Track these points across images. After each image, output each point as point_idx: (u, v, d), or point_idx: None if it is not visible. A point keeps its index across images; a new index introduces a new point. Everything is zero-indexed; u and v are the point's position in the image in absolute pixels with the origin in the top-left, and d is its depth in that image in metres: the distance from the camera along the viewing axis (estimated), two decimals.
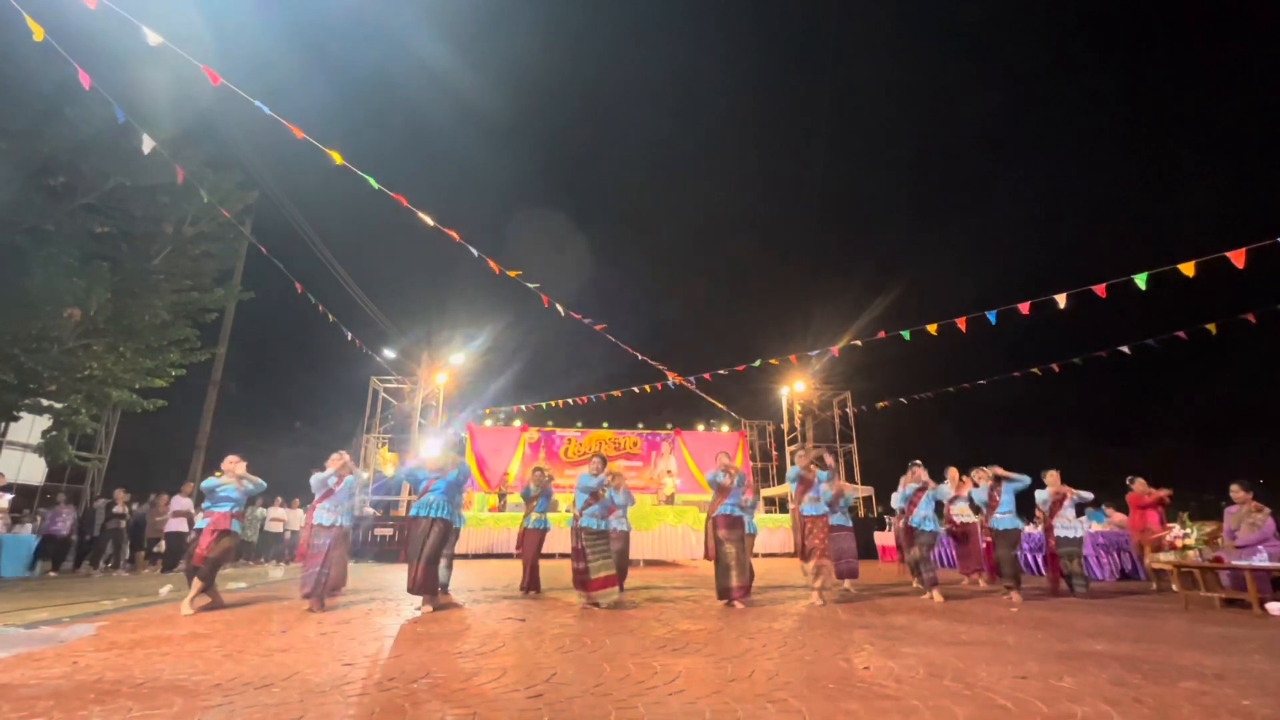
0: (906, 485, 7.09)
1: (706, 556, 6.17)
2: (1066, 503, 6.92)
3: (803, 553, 5.97)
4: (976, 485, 7.15)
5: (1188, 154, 34.88)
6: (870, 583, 7.91)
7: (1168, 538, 6.80)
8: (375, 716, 2.31)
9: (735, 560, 5.73)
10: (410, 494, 13.47)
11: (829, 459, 6.40)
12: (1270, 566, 5.36)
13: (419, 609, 5.30)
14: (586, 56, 41.07)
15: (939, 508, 7.22)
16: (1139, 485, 7.90)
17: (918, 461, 7.01)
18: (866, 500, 18.15)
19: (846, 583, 6.94)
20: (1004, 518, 6.63)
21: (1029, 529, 9.07)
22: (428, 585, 5.29)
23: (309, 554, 5.59)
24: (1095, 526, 9.03)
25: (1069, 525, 6.88)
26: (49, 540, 9.42)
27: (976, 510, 7.45)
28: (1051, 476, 7.07)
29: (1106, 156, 38.34)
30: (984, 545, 7.48)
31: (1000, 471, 6.77)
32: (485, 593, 6.72)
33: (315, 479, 5.86)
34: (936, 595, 6.16)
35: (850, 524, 7.20)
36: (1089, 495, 7.07)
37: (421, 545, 5.32)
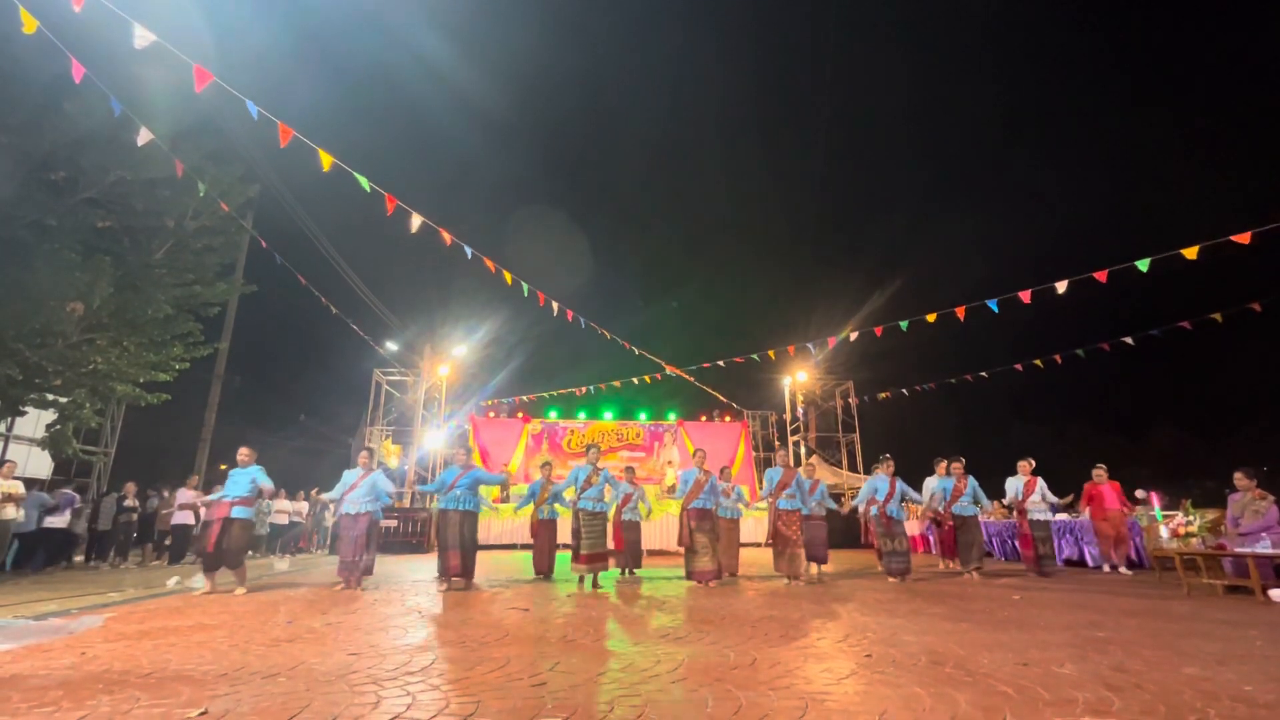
0: (876, 478, 7.61)
1: (679, 543, 6.92)
2: (1035, 490, 7.77)
3: (776, 542, 6.76)
4: (950, 475, 7.95)
5: (1193, 145, 34.56)
6: (869, 570, 7.98)
7: (1171, 525, 6.80)
8: (380, 705, 2.33)
9: (704, 548, 6.54)
10: (413, 487, 13.57)
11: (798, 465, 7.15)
12: (1273, 553, 5.35)
13: (444, 589, 5.95)
14: (586, 53, 40.89)
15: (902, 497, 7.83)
16: (1098, 474, 8.35)
17: (887, 455, 7.56)
18: None
19: (815, 569, 7.50)
20: (967, 505, 7.60)
21: (992, 518, 10.30)
22: (467, 570, 6.15)
23: (343, 544, 6.34)
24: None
25: (1039, 509, 7.70)
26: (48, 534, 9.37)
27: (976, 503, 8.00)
28: (1023, 465, 7.93)
29: (1111, 147, 38.05)
30: (946, 528, 7.89)
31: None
32: (490, 583, 6.76)
33: (345, 475, 6.66)
34: (893, 580, 6.82)
35: (824, 514, 7.84)
36: (1056, 500, 7.94)
37: (459, 536, 6.17)
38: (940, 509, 7.96)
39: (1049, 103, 41.46)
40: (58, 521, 9.32)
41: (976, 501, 7.71)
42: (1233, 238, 6.83)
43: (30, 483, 9.34)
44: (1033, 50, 40.08)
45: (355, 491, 6.45)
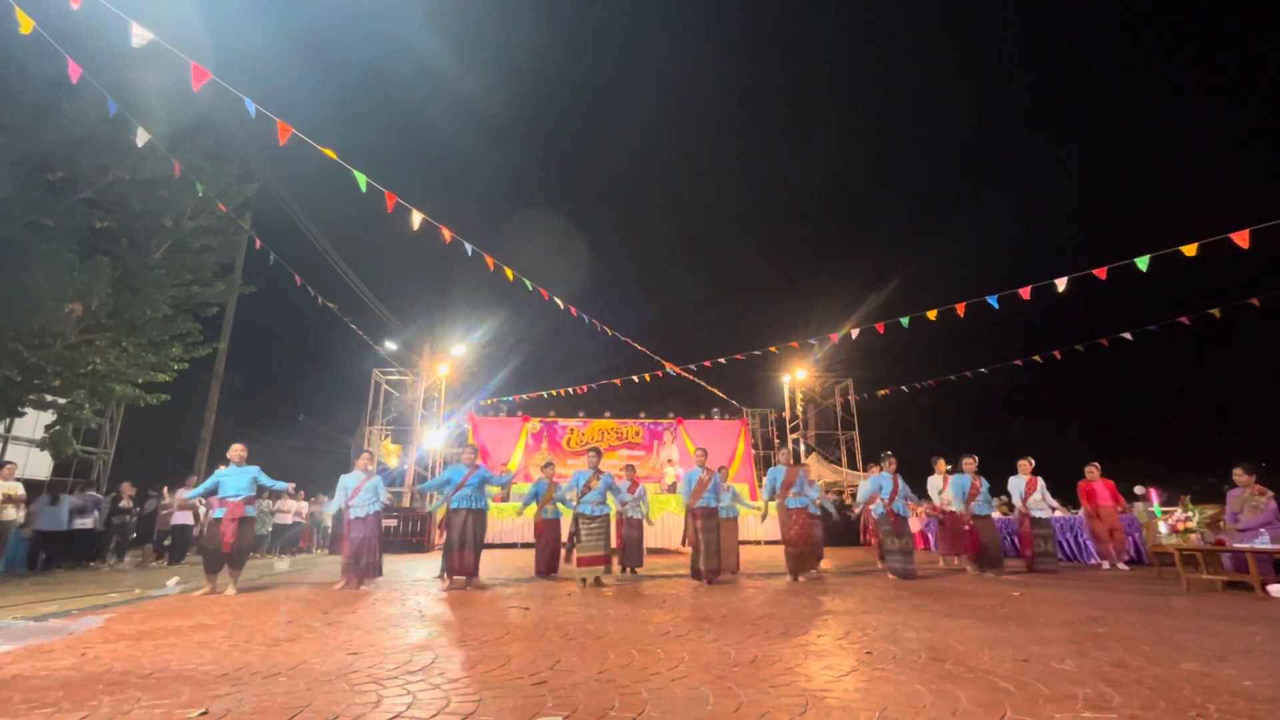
0: (880, 475, 7.54)
1: (685, 543, 6.98)
2: (1036, 489, 7.80)
3: (789, 541, 6.76)
4: (962, 473, 7.83)
5: (1191, 139, 34.56)
6: (869, 568, 8.00)
7: (1170, 521, 6.82)
8: (381, 704, 2.33)
9: (708, 546, 6.59)
10: (413, 485, 13.57)
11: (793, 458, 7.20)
12: (1272, 549, 5.36)
13: (447, 588, 6.08)
14: (583, 53, 40.85)
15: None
16: (1091, 471, 8.37)
17: (889, 452, 7.53)
18: None
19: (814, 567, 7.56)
20: (984, 504, 7.53)
21: (996, 515, 10.04)
22: (474, 569, 6.24)
23: (349, 543, 6.45)
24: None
25: (1039, 508, 7.74)
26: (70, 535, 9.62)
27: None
28: (1024, 464, 7.94)
29: (1109, 143, 38.05)
30: (967, 528, 7.82)
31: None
32: (491, 582, 6.76)
33: (342, 480, 6.73)
34: (893, 578, 6.82)
35: (819, 513, 7.86)
36: (1055, 503, 8.08)
37: (465, 534, 6.27)
38: (957, 508, 7.86)
39: (1049, 96, 41.49)
40: (85, 522, 9.73)
41: (989, 499, 7.63)
42: (1231, 236, 6.83)
43: (30, 484, 9.36)
44: (1033, 43, 40.09)
45: (360, 495, 6.56)
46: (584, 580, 6.42)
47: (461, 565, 6.19)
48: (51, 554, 9.31)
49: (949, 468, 8.44)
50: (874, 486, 7.46)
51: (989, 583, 6.40)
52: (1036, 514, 7.72)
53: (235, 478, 6.19)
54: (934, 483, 8.44)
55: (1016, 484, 7.94)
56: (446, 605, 5.03)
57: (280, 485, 6.59)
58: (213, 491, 6.23)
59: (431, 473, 17.39)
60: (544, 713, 2.21)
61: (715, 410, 19.37)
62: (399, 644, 3.45)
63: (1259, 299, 9.87)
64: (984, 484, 7.65)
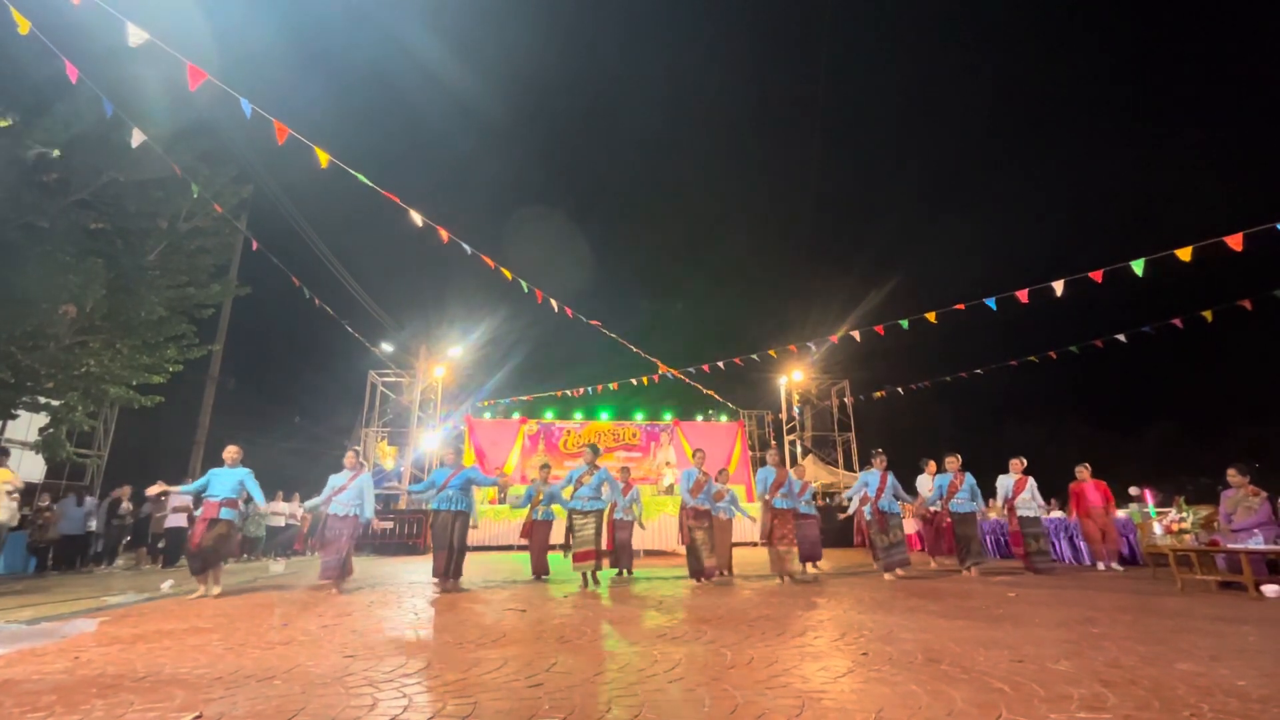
0: (868, 472, 7.60)
1: (681, 543, 7.05)
2: (1026, 488, 7.82)
3: (770, 540, 6.81)
4: (945, 471, 7.90)
5: (1187, 140, 34.75)
6: (865, 569, 8.00)
7: (1164, 522, 6.86)
8: (376, 707, 2.32)
9: (704, 545, 6.65)
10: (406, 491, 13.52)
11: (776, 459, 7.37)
12: (1265, 550, 5.39)
13: (439, 591, 5.95)
14: (582, 52, 40.81)
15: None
16: (1082, 472, 8.39)
17: (879, 450, 7.58)
18: None
19: (809, 566, 7.58)
20: (964, 502, 7.56)
21: (990, 515, 10.29)
22: (456, 570, 6.17)
23: (326, 543, 6.29)
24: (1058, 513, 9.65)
25: (1028, 506, 7.78)
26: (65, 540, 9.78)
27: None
28: (1015, 464, 7.99)
29: (1105, 144, 38.22)
30: (946, 525, 7.82)
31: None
32: (486, 584, 6.75)
33: (330, 479, 6.55)
34: (889, 576, 6.85)
35: (815, 513, 7.90)
36: (1043, 502, 8.09)
37: (450, 536, 6.17)
38: (936, 506, 7.94)
39: (1046, 98, 41.65)
40: (91, 524, 10.01)
41: (974, 498, 7.68)
42: (1225, 239, 6.88)
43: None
44: (1030, 45, 40.26)
45: (344, 494, 6.40)
46: (584, 577, 6.47)
47: (444, 567, 6.13)
48: (66, 557, 9.55)
49: (939, 469, 8.47)
50: (860, 484, 7.56)
51: (984, 584, 6.41)
52: (1024, 513, 7.73)
53: (222, 479, 6.11)
54: (923, 483, 8.52)
55: (1005, 483, 8.00)
56: (442, 608, 5.01)
57: (258, 499, 6.34)
58: (204, 489, 6.15)
59: (427, 475, 17.35)
60: (540, 715, 2.21)
61: (712, 412, 19.37)
62: (394, 646, 3.44)
63: (1251, 301, 9.93)
64: (966, 482, 7.66)
